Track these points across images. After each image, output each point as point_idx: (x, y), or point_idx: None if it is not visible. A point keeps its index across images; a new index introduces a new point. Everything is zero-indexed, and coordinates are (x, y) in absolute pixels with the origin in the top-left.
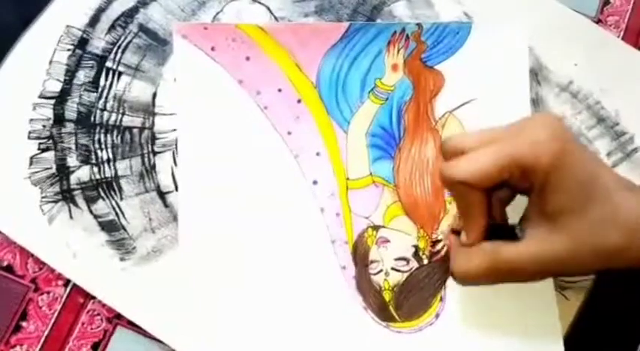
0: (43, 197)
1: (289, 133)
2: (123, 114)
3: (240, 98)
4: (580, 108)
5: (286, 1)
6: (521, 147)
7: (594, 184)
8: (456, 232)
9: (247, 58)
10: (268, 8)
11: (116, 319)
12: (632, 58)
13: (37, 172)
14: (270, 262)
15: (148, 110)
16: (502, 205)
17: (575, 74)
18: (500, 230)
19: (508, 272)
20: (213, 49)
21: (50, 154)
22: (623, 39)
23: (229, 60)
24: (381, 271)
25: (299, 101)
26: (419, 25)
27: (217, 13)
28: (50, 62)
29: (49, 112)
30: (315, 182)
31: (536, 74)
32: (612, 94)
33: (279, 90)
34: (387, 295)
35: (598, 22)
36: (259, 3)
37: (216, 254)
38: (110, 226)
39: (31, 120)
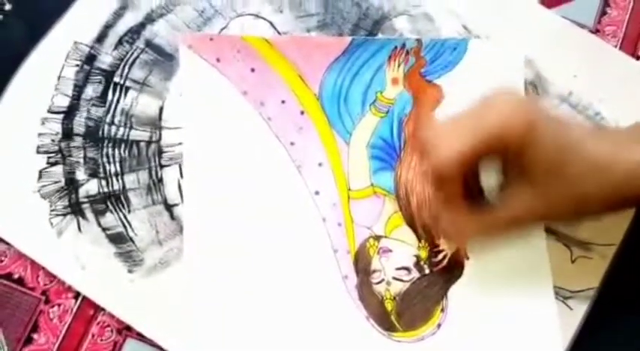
0: (52, 210)
1: (292, 143)
2: (130, 128)
3: (244, 109)
4: (580, 119)
5: (289, 16)
6: (493, 125)
7: (567, 144)
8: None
9: (252, 70)
10: (272, 24)
11: (126, 330)
12: (631, 68)
13: (46, 186)
14: (273, 271)
15: (155, 124)
16: (477, 178)
17: (574, 85)
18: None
19: (495, 233)
20: (218, 60)
21: (59, 168)
22: (620, 48)
23: (234, 71)
24: (382, 280)
25: (302, 113)
26: (418, 40)
27: (222, 29)
28: (58, 78)
29: (57, 127)
30: (317, 192)
31: (536, 86)
32: (612, 105)
33: (283, 101)
34: (389, 305)
35: (596, 32)
36: (263, 19)
37: (221, 264)
38: (118, 239)
39: (40, 134)
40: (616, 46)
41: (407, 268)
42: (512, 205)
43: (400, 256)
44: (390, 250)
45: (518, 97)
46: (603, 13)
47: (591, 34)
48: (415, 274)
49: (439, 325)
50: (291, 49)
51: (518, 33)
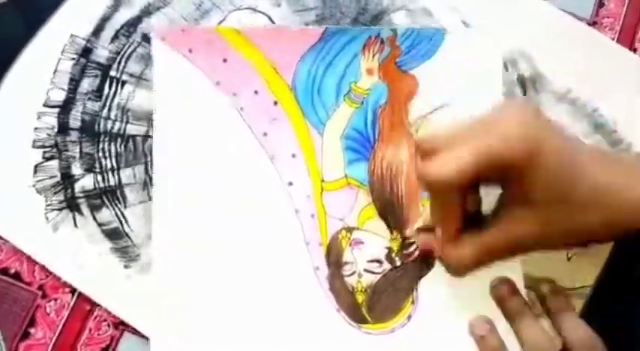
0: (47, 205)
1: (265, 134)
2: (126, 122)
3: (216, 100)
4: (579, 116)
5: (287, 10)
6: (496, 144)
7: (574, 171)
8: (425, 230)
9: (224, 60)
10: (270, 18)
11: (122, 324)
12: (629, 63)
13: (41, 181)
14: (245, 263)
15: (151, 118)
16: (476, 200)
17: (573, 82)
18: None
19: (494, 256)
20: (190, 51)
21: (55, 163)
22: (617, 41)
23: (206, 62)
24: (354, 272)
25: (275, 103)
26: (393, 30)
27: (220, 22)
28: (55, 71)
29: (53, 121)
30: (290, 184)
31: (534, 82)
32: (609, 101)
33: (256, 92)
34: (360, 297)
35: (593, 24)
36: (261, 12)
37: (192, 255)
38: (114, 234)
39: (36, 128)
40: (613, 39)
41: (378, 261)
42: (511, 228)
43: (372, 248)
44: (362, 242)
45: (527, 112)
46: (601, 5)
47: (591, 29)
48: (386, 266)
49: (409, 317)
50: (264, 40)
51: (516, 26)
